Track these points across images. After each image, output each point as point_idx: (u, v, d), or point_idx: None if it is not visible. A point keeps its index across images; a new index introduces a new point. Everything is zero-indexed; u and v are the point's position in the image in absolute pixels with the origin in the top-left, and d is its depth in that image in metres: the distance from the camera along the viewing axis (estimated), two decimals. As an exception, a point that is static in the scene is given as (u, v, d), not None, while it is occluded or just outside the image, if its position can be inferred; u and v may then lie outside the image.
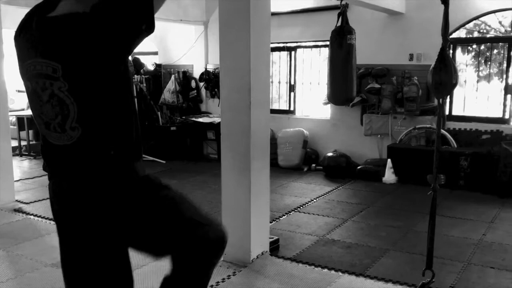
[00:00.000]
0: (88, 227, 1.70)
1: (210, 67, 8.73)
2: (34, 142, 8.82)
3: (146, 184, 1.75)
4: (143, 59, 9.05)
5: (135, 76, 8.52)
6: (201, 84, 8.89)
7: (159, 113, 8.67)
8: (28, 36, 1.63)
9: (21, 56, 1.66)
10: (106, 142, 1.63)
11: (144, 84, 8.79)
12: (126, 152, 1.67)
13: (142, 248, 1.81)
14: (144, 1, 1.59)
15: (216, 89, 8.53)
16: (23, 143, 8.86)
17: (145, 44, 9.81)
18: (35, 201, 5.76)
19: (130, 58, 1.69)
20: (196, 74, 8.96)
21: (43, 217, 5.15)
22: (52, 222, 4.95)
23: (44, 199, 5.83)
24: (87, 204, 1.67)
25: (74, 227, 1.73)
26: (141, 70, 8.83)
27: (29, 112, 9.22)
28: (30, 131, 8.77)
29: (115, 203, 1.67)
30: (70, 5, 1.60)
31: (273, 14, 4.65)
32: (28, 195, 6.04)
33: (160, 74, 9.22)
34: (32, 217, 5.20)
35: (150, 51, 9.72)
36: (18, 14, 2.39)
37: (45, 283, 3.61)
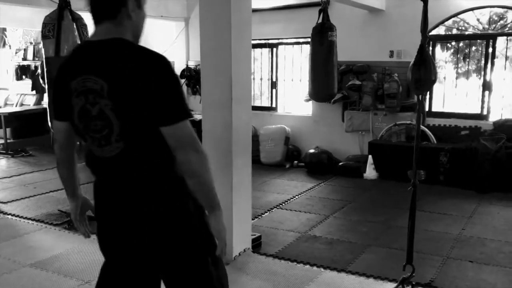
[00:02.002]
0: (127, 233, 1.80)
1: (192, 64, 8.67)
2: (11, 140, 8.65)
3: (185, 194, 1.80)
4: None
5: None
6: (183, 80, 8.83)
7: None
8: (80, 56, 1.75)
9: (70, 75, 1.73)
10: (148, 152, 1.72)
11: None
12: (165, 155, 1.72)
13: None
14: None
15: (197, 86, 8.47)
16: (0, 141, 8.68)
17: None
18: (13, 201, 5.65)
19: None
20: (178, 70, 8.88)
21: (21, 217, 5.06)
22: (31, 222, 4.89)
23: (22, 198, 5.73)
24: (127, 205, 1.77)
25: (115, 227, 1.84)
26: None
27: (6, 110, 9.05)
28: (8, 129, 8.59)
29: (153, 212, 1.76)
30: (108, 29, 1.72)
31: (255, 10, 4.64)
32: (6, 194, 5.92)
33: (141, 71, 9.11)
34: (10, 216, 5.10)
35: (130, 48, 9.60)
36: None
37: (24, 283, 3.54)
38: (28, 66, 10.07)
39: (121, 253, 1.86)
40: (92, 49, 1.72)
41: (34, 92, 9.62)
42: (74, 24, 4.03)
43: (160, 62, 1.64)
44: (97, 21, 1.76)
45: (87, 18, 4.36)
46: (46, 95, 4.24)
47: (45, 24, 4.01)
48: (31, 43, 9.95)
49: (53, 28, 3.97)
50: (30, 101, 9.68)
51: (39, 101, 9.50)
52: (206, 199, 1.77)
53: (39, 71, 9.17)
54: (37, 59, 9.61)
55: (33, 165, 7.64)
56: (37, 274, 3.70)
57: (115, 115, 1.65)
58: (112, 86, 1.63)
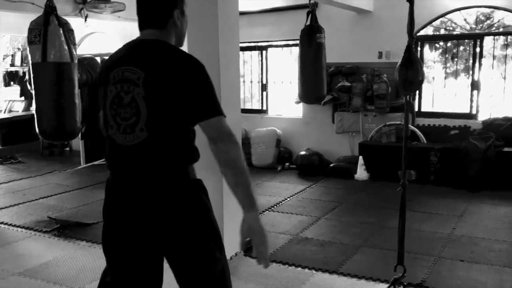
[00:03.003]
0: (135, 227, 1.86)
1: (181, 68, 8.65)
2: (0, 147, 8.56)
3: (196, 197, 1.93)
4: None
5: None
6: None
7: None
8: (124, 51, 1.93)
9: (110, 67, 1.90)
10: (167, 147, 1.83)
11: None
12: (182, 154, 1.87)
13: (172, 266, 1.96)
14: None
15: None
16: (-11, 148, 8.59)
17: (114, 45, 9.64)
18: (1, 208, 5.58)
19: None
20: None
21: (10, 224, 5.00)
22: (20, 229, 4.84)
23: (11, 206, 5.67)
24: (141, 202, 1.84)
25: (123, 223, 1.89)
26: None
27: (-6, 116, 8.95)
28: (-4, 136, 8.50)
29: (166, 208, 1.84)
30: (154, 33, 1.90)
31: (244, 13, 4.64)
32: (-6, 202, 5.86)
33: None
34: (-2, 224, 5.05)
35: (119, 52, 9.56)
36: None
37: (12, 292, 3.50)
38: (16, 72, 9.98)
39: (127, 251, 1.89)
40: (136, 46, 1.90)
41: (22, 98, 9.54)
42: (61, 29, 3.99)
43: (196, 66, 1.81)
44: (144, 28, 1.93)
45: (73, 23, 4.33)
46: (34, 101, 4.18)
47: (31, 30, 3.97)
48: (18, 49, 9.88)
49: (39, 33, 3.92)
50: (18, 107, 9.60)
51: (27, 107, 9.41)
52: (245, 193, 1.83)
53: (27, 77, 9.09)
54: (25, 65, 9.53)
55: (22, 172, 7.57)
56: (26, 282, 3.66)
57: (145, 105, 1.78)
58: (148, 76, 1.78)
